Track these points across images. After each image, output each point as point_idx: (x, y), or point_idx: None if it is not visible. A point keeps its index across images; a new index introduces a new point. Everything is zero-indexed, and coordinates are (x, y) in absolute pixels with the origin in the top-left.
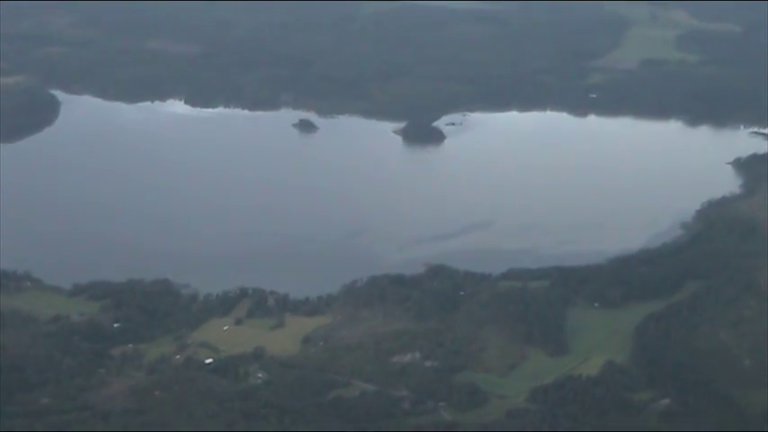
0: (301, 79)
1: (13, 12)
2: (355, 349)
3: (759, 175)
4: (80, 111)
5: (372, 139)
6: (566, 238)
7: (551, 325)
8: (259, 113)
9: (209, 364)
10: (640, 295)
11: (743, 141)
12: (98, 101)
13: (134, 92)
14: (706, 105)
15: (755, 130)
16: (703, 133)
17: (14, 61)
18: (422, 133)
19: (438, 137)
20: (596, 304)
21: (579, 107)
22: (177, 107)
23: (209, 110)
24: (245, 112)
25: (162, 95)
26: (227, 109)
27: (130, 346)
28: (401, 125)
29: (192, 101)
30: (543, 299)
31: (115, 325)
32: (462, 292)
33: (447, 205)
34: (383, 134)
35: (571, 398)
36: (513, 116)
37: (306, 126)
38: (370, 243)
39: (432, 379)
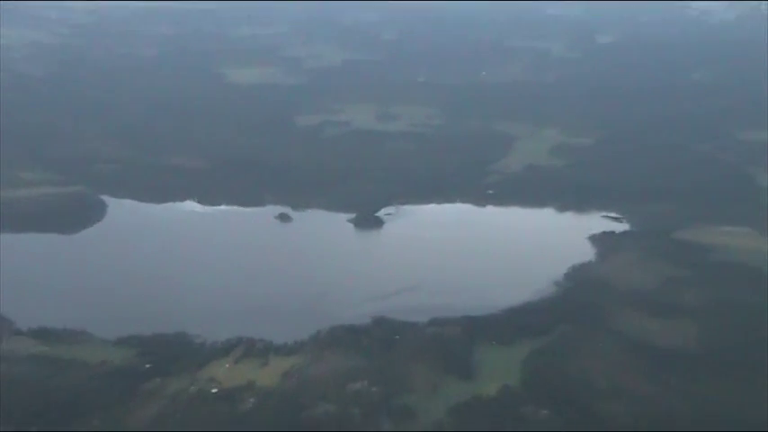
0: (281, 183)
1: (70, 139)
2: (320, 380)
3: (608, 246)
4: (122, 210)
5: (332, 226)
6: (472, 296)
7: (462, 358)
8: (250, 209)
9: (215, 392)
10: (526, 335)
11: (597, 222)
12: (135, 202)
13: (161, 195)
14: (571, 197)
15: (605, 214)
16: (569, 217)
17: (73, 176)
18: (367, 221)
19: (379, 223)
20: (494, 342)
21: (480, 200)
22: (192, 206)
23: (215, 207)
24: (241, 208)
25: (181, 197)
26: (227, 206)
27: (158, 380)
28: (353, 215)
29: (202, 201)
30: (456, 340)
31: (147, 366)
32: (398, 336)
33: (386, 274)
34: (340, 222)
35: (478, 411)
36: (432, 207)
37: (284, 218)
38: (330, 302)
39: (376, 400)
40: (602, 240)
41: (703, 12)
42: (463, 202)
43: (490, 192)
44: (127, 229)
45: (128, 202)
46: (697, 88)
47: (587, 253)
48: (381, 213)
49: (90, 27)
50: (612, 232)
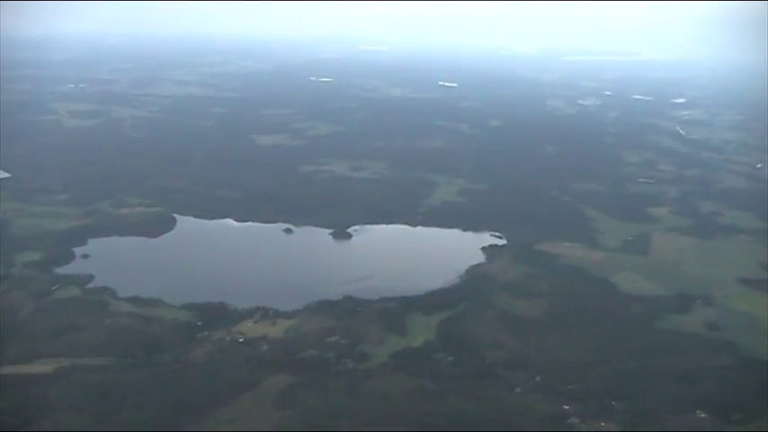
0: (287, 208)
1: (156, 177)
2: (310, 334)
3: (492, 253)
4: (186, 224)
5: (319, 236)
6: (406, 283)
7: (400, 322)
8: (267, 224)
9: (242, 341)
10: (440, 308)
11: (486, 239)
12: (193, 219)
13: (211, 214)
14: (470, 222)
15: (492, 233)
16: (469, 235)
17: (156, 201)
18: (341, 234)
19: (348, 236)
20: (421, 313)
21: (414, 222)
22: (231, 222)
23: (245, 223)
24: (261, 224)
25: (224, 216)
26: (253, 222)
27: (206, 332)
28: (332, 230)
29: (237, 219)
30: (396, 311)
31: (199, 323)
32: (359, 309)
33: (352, 268)
34: (324, 234)
35: (408, 356)
36: (383, 226)
37: (288, 231)
38: (316, 285)
39: (344, 348)
40: (488, 250)
41: (554, 108)
42: (403, 223)
43: (420, 217)
44: (189, 235)
45: (190, 219)
46: (550, 156)
47: (479, 257)
48: (350, 230)
49: (170, 107)
50: (496, 245)
